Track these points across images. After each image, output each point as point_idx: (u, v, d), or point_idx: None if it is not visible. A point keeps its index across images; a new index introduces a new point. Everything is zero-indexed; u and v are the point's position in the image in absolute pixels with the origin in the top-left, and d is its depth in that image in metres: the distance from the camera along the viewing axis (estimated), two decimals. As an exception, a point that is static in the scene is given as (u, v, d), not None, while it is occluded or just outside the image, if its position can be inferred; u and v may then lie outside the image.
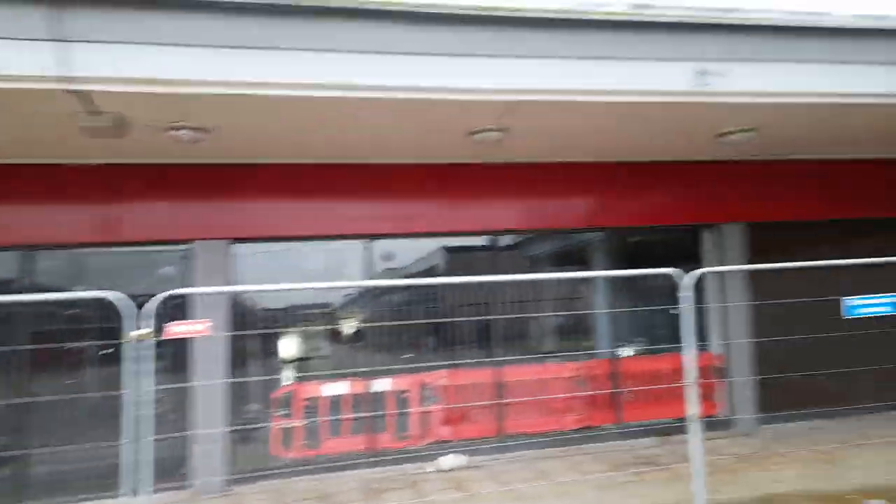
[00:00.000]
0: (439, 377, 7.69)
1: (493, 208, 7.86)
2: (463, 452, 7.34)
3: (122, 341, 3.48)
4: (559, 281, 8.29)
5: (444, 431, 7.65)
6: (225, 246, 7.06)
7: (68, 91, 4.57)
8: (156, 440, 6.07)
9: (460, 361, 7.72)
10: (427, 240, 8.02)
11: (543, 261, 8.86)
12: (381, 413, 7.46)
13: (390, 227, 7.57)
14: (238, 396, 7.12)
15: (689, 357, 4.79)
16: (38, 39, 4.42)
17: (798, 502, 5.53)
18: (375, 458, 7.28)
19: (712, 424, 8.22)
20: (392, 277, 7.97)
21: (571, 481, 6.44)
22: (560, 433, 7.86)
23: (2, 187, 6.59)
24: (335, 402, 7.40)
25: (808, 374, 7.25)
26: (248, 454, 7.12)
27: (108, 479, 3.63)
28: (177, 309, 6.65)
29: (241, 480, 6.85)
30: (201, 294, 6.62)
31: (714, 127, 6.99)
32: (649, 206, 8.28)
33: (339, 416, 7.32)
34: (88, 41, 4.48)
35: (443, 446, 7.48)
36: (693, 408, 4.86)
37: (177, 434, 6.47)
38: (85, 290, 6.32)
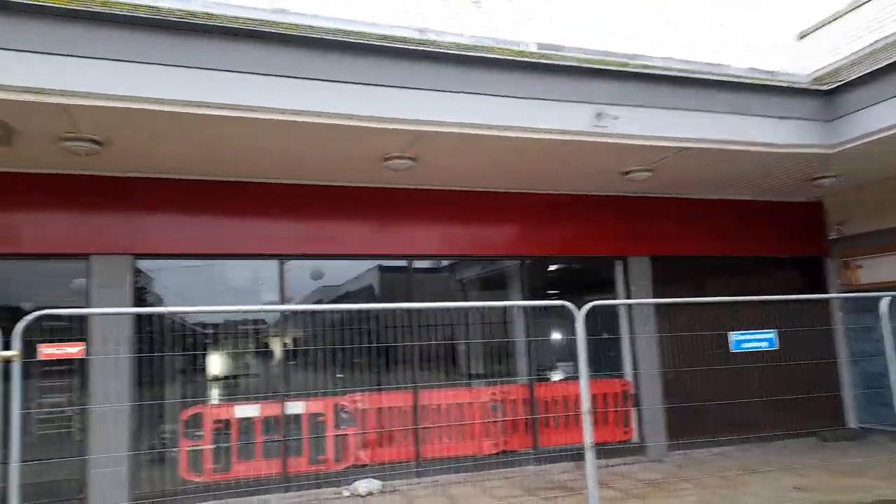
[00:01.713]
0: (354, 400, 7.69)
1: (412, 233, 7.98)
2: (379, 477, 7.33)
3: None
4: (476, 307, 8.46)
5: (361, 455, 7.63)
6: (127, 261, 6.88)
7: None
8: (52, 462, 5.92)
9: (376, 386, 7.78)
10: (357, 261, 8.06)
11: (470, 285, 9.00)
12: (295, 436, 7.39)
13: (310, 248, 7.58)
14: (148, 417, 6.95)
15: (583, 385, 4.96)
16: None
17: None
18: (289, 482, 7.19)
19: (625, 450, 8.47)
20: (325, 296, 7.98)
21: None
22: (477, 458, 7.94)
23: None
24: (247, 425, 7.29)
25: (713, 402, 7.58)
26: (156, 477, 6.93)
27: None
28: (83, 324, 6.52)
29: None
30: (88, 314, 6.50)
31: (618, 165, 7.39)
32: (565, 237, 8.57)
33: (251, 440, 7.21)
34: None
35: (360, 470, 7.45)
36: (588, 436, 5.01)
37: (57, 459, 6.25)
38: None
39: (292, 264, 7.65)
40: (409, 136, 5.97)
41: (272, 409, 7.34)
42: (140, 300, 7.10)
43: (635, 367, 8.69)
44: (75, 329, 6.45)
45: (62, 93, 4.68)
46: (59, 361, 6.35)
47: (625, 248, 8.81)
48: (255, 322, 7.92)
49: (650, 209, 8.92)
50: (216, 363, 7.63)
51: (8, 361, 3.36)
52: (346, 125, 5.46)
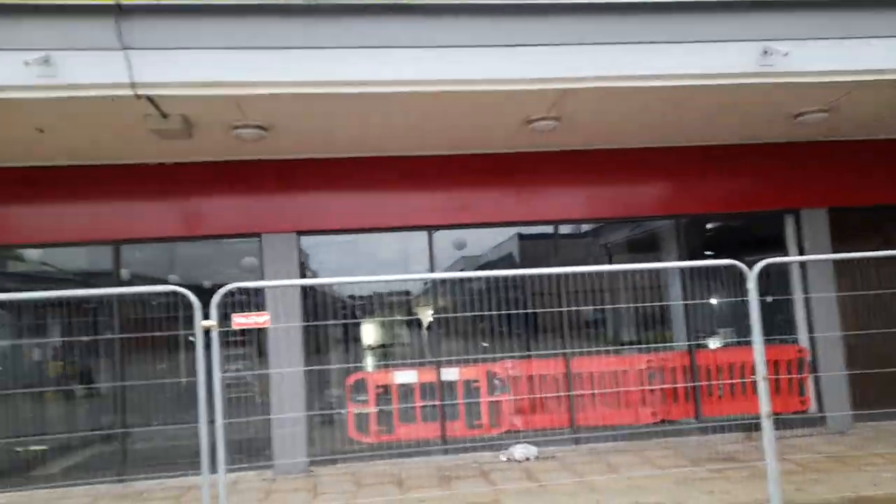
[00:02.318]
0: (506, 367, 7.75)
1: (559, 197, 7.78)
2: (534, 443, 7.36)
3: (190, 332, 3.83)
4: (632, 270, 8.10)
5: (516, 421, 7.70)
6: (292, 238, 7.37)
7: (137, 96, 5.00)
8: (241, 422, 6.60)
9: (527, 353, 7.78)
10: (498, 228, 8.05)
11: (616, 248, 8.66)
12: (451, 402, 7.61)
13: (455, 218, 7.68)
14: (317, 382, 7.51)
15: (758, 351, 4.59)
16: (106, 49, 4.84)
17: (892, 506, 5.15)
18: (448, 445, 7.45)
19: (801, 421, 7.80)
20: (467, 266, 8.10)
21: (646, 475, 6.32)
22: (635, 426, 7.71)
23: (88, 188, 7.14)
24: (407, 390, 7.63)
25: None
26: (328, 437, 7.50)
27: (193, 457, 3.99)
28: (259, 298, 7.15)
29: (321, 462, 7.24)
30: (270, 286, 7.06)
31: (788, 107, 6.65)
32: (725, 192, 7.92)
33: (411, 404, 7.54)
34: (151, 48, 4.87)
35: (515, 436, 7.53)
36: (765, 405, 4.65)
37: (252, 418, 6.92)
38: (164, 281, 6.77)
39: (438, 235, 7.79)
40: (554, 94, 5.78)
41: (428, 376, 7.61)
42: (302, 275, 7.62)
43: (811, 331, 7.92)
44: (253, 302, 7.09)
45: (235, 84, 5.08)
46: (237, 332, 7.02)
47: (797, 200, 7.98)
48: (406, 293, 8.22)
49: (827, 155, 7.96)
50: (372, 333, 8.04)
51: (207, 331, 3.76)
52: (491, 90, 5.42)
